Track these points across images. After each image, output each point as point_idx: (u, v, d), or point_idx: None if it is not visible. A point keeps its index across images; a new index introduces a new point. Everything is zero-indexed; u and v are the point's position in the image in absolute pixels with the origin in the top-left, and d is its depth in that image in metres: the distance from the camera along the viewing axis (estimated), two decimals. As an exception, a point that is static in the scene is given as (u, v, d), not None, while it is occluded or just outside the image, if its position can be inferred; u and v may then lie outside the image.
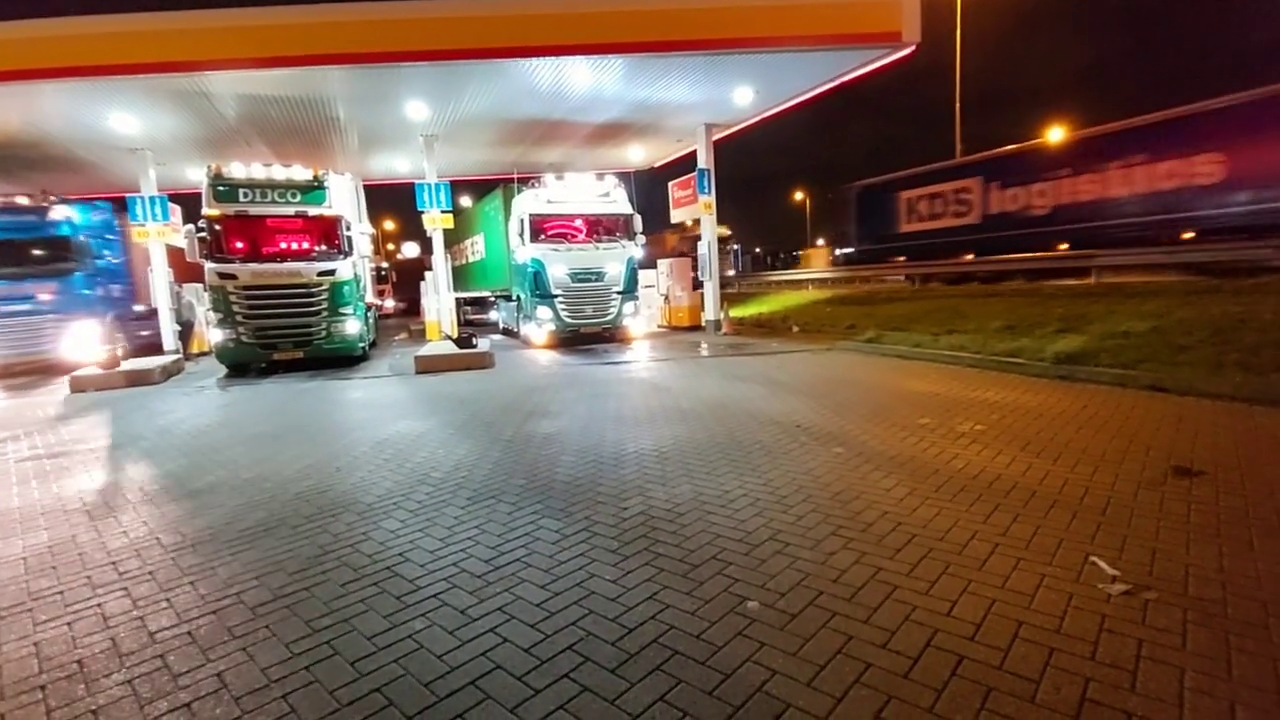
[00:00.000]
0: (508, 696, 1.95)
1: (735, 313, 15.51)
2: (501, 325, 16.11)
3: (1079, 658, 2.00)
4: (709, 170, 13.92)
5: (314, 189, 10.69)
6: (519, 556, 2.96)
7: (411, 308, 27.65)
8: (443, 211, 13.25)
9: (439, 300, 13.83)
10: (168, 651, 2.29)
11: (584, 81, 10.83)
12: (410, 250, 39.11)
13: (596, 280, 12.05)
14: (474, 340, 10.75)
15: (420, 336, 15.47)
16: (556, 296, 11.81)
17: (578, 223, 12.40)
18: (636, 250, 12.63)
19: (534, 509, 3.56)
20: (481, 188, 18.66)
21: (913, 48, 9.88)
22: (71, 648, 2.35)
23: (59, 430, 6.61)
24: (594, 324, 12.20)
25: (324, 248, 10.76)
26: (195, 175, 15.18)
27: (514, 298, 13.42)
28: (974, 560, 2.71)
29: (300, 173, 10.62)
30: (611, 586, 2.62)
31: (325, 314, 10.60)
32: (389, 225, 43.94)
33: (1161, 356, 6.43)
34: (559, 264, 11.78)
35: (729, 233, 32.09)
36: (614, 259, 12.21)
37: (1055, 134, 19.79)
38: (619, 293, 12.27)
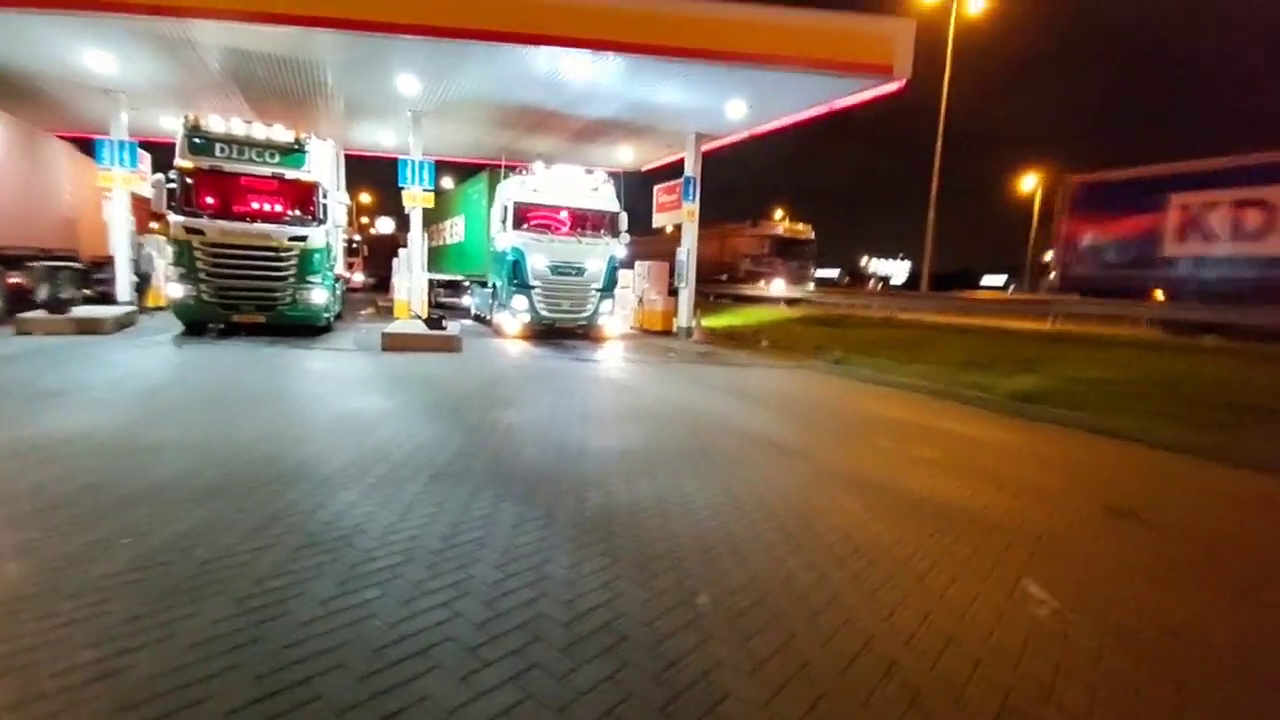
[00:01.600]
0: (457, 666, 1.98)
1: (707, 322, 15.68)
2: (473, 311, 15.83)
3: (1003, 669, 2.13)
4: (695, 179, 14.08)
5: (294, 151, 10.43)
6: (475, 537, 2.97)
7: (380, 284, 27.10)
8: (424, 190, 13.10)
9: (411, 279, 13.65)
10: (113, 597, 2.25)
11: (581, 75, 10.85)
12: (384, 226, 38.35)
13: (576, 275, 11.84)
14: (444, 322, 10.64)
15: (387, 313, 15.21)
16: (534, 288, 11.58)
17: (563, 215, 12.17)
18: (619, 249, 12.49)
19: (494, 494, 3.58)
20: (465, 170, 18.50)
21: (903, 82, 10.19)
22: (15, 588, 2.29)
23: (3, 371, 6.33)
24: (569, 319, 12.01)
25: (298, 212, 10.49)
26: (168, 124, 14.63)
27: (490, 284, 13.19)
28: (915, 574, 2.84)
29: (281, 133, 10.36)
30: (566, 572, 2.67)
31: (293, 280, 10.34)
32: (365, 198, 43.05)
33: (1109, 405, 6.76)
34: (540, 254, 11.57)
35: (810, 236, 28.77)
36: (596, 255, 12.01)
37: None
38: (598, 290, 12.09)
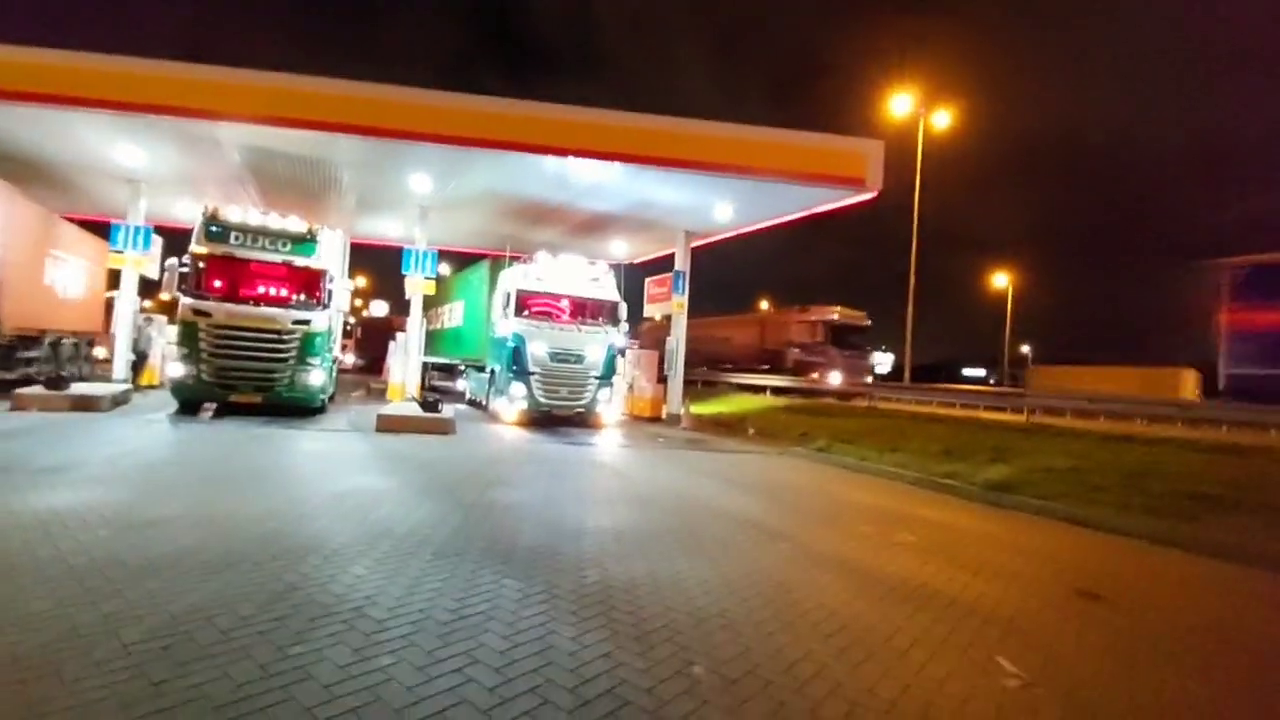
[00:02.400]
0: (473, 727, 2.13)
1: (695, 410, 16.01)
2: (468, 396, 15.89)
3: (976, 735, 2.31)
4: (685, 273, 14.87)
5: (306, 241, 11.00)
6: (482, 610, 3.13)
7: (371, 366, 27.33)
8: (427, 278, 13.70)
9: (408, 362, 13.96)
10: (144, 661, 2.39)
11: (583, 179, 11.78)
12: (378, 309, 39.09)
13: (576, 362, 11.93)
14: (439, 405, 10.87)
15: (379, 396, 15.40)
16: (533, 374, 11.64)
17: (564, 303, 12.40)
18: (619, 337, 12.67)
19: (496, 570, 3.74)
20: (463, 259, 19.30)
21: (875, 193, 11.16)
22: (51, 652, 2.42)
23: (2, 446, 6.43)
24: (567, 406, 11.98)
25: (304, 297, 10.93)
26: (180, 209, 15.45)
27: (488, 370, 13.34)
28: (896, 650, 3.02)
29: (295, 224, 10.97)
30: (570, 643, 2.83)
31: (292, 362, 10.61)
32: (360, 281, 44.16)
33: (1076, 494, 7.06)
34: (540, 342, 11.71)
35: (867, 322, 26.30)
36: (596, 343, 12.16)
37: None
38: (596, 377, 12.16)
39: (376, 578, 3.46)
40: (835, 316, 25.21)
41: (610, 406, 12.73)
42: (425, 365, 18.54)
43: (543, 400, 11.72)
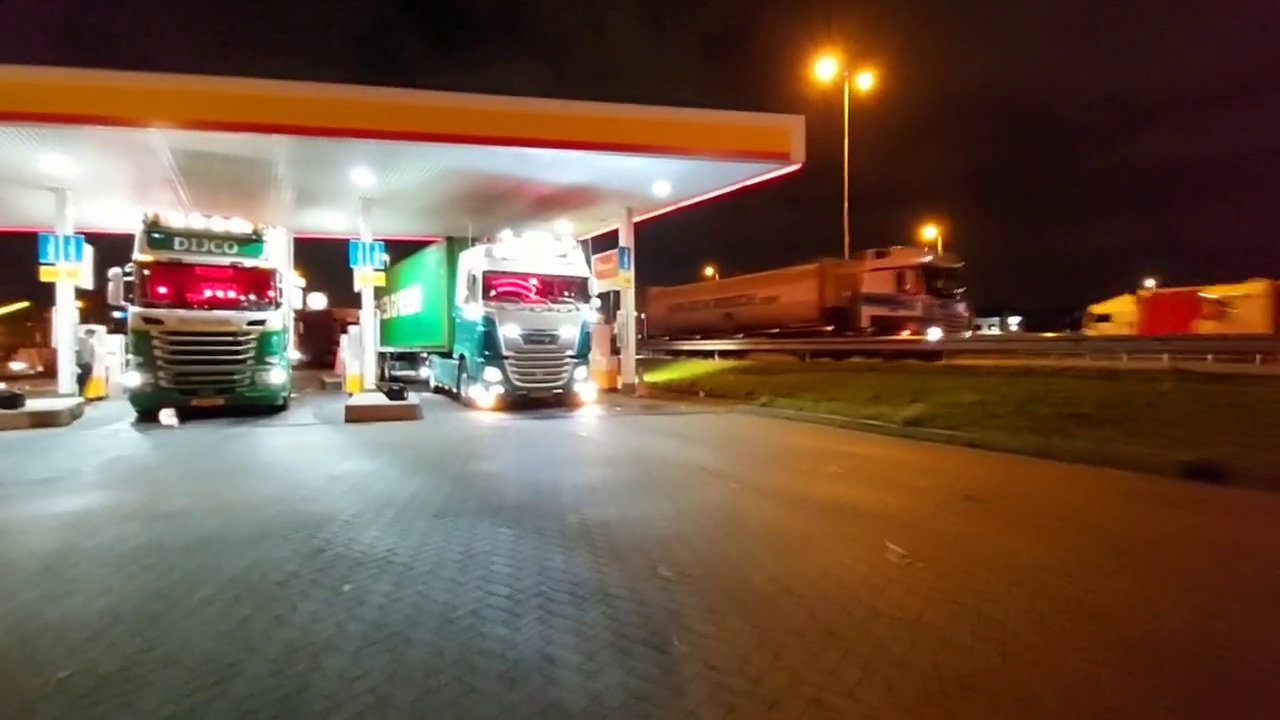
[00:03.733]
0: (499, 620, 2.85)
1: (649, 378, 16.84)
2: (434, 384, 15.57)
3: (868, 589, 3.18)
4: (629, 248, 15.50)
5: (252, 242, 11.11)
6: (486, 549, 3.83)
7: (316, 360, 26.90)
8: (375, 270, 13.88)
9: (363, 354, 14.19)
10: (227, 608, 3.00)
11: (523, 166, 12.16)
12: (315, 302, 38.13)
13: (550, 343, 11.72)
14: (404, 392, 11.30)
15: (335, 390, 15.59)
16: (507, 358, 11.39)
17: (532, 282, 12.06)
18: (591, 314, 12.51)
19: (490, 522, 4.43)
20: (410, 247, 19.29)
21: (799, 165, 12.02)
22: (145, 611, 3.00)
23: (-16, 464, 6.64)
24: (544, 388, 11.84)
25: (255, 298, 11.07)
26: (108, 217, 15.02)
27: (456, 356, 13.03)
28: (815, 546, 3.89)
29: (240, 225, 11.05)
30: (562, 564, 3.57)
31: (251, 362, 10.82)
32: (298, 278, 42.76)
33: (978, 422, 8.22)
34: (511, 324, 11.42)
35: (961, 264, 22.30)
36: (568, 322, 11.93)
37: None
38: (572, 357, 11.98)
39: (391, 536, 4.10)
40: (928, 259, 21.33)
41: (587, 385, 12.58)
42: (384, 355, 18.63)
43: (519, 384, 11.53)
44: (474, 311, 11.63)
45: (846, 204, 30.66)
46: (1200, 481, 5.63)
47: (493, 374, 11.39)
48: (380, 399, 11.11)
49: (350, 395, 12.72)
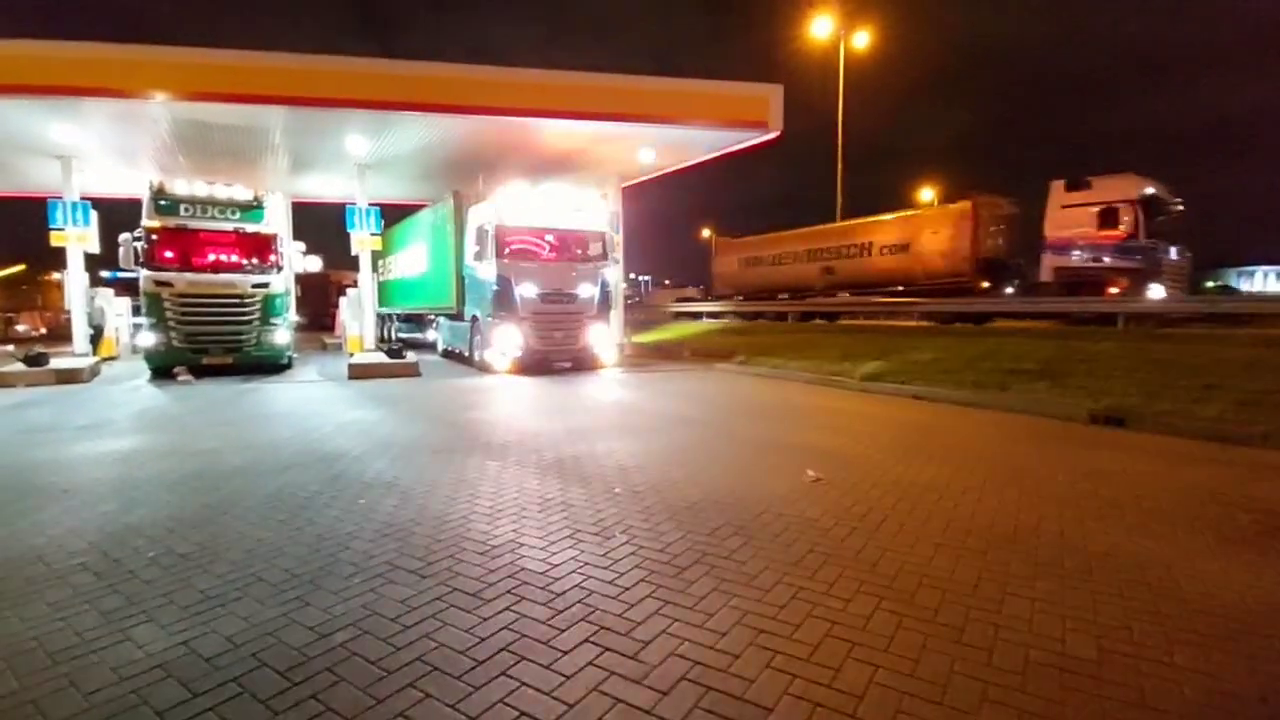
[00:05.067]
0: (482, 521, 3.64)
1: (638, 339, 17.56)
2: (443, 347, 14.87)
3: (779, 500, 3.97)
4: (618, 213, 16.00)
5: (253, 208, 11.69)
6: (474, 477, 4.62)
7: (314, 322, 27.47)
8: (372, 234, 14.42)
9: (363, 316, 14.84)
10: (269, 512, 3.79)
11: (515, 134, 12.58)
12: (312, 264, 38.47)
13: (569, 302, 11.19)
14: (403, 351, 12.02)
15: (337, 350, 16.30)
16: (524, 319, 10.89)
17: (549, 238, 11.45)
18: (611, 271, 11.93)
19: (478, 457, 5.22)
20: (406, 211, 19.66)
21: (778, 133, 12.48)
22: (212, 514, 3.78)
23: (20, 416, 7.40)
24: (563, 350, 11.41)
25: (258, 261, 11.69)
26: (106, 183, 15.45)
27: (467, 318, 12.48)
28: (750, 473, 4.69)
29: (241, 192, 11.60)
30: (536, 486, 4.36)
31: (257, 323, 11.52)
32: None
33: (929, 377, 8.99)
34: (528, 282, 10.87)
35: (1181, 204, 16.49)
36: (588, 279, 11.39)
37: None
38: (591, 317, 11.52)
39: (395, 468, 4.89)
40: (1150, 190, 15.49)
41: (609, 347, 12.06)
42: (387, 317, 18.98)
43: (536, 346, 11.04)
44: (487, 270, 11.11)
45: (840, 164, 30.85)
46: (1104, 426, 6.45)
47: (508, 336, 10.92)
48: (381, 358, 11.84)
49: (352, 355, 13.43)
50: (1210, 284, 17.01)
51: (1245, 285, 40.05)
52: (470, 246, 11.87)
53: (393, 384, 10.11)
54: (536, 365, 11.24)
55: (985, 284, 17.93)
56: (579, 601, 2.64)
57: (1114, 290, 15.22)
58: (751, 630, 2.41)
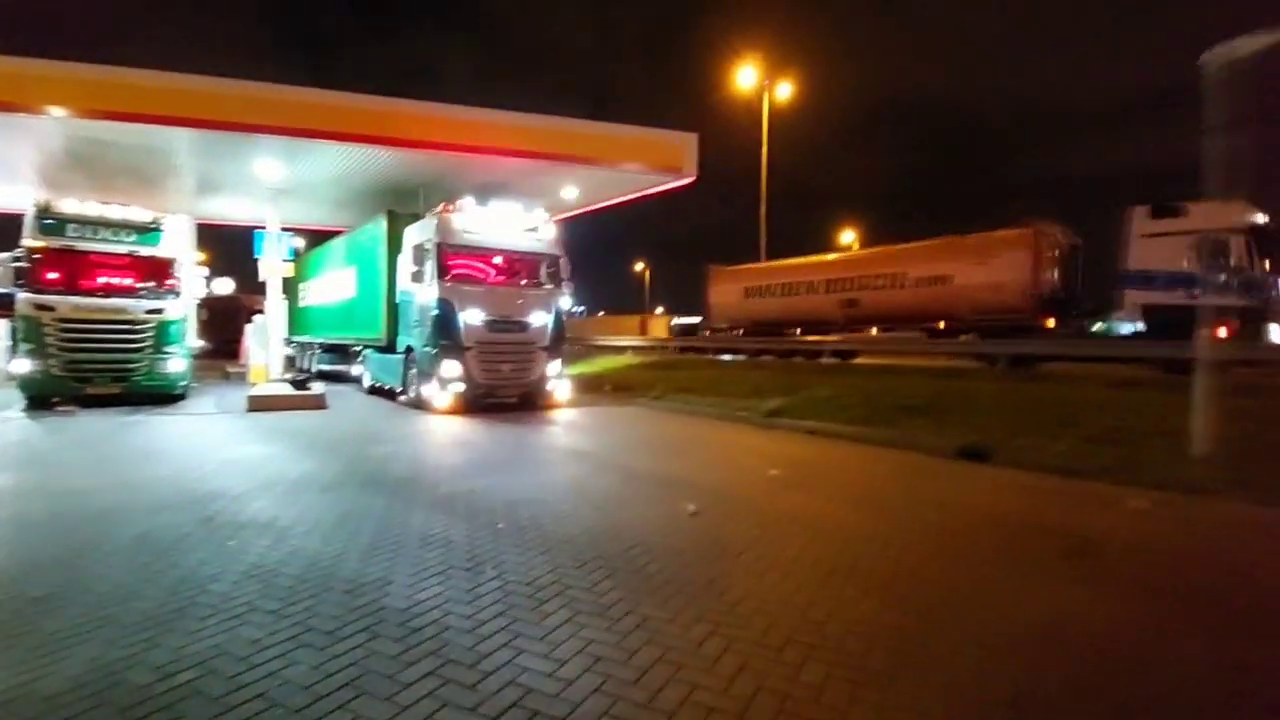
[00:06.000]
0: (356, 560, 3.68)
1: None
2: (369, 383, 13.24)
3: (652, 533, 4.20)
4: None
5: (150, 230, 11.23)
6: (360, 514, 4.62)
7: (220, 349, 25.82)
8: (284, 260, 14.00)
9: (270, 345, 14.27)
10: (135, 552, 3.68)
11: (436, 165, 12.66)
12: (222, 286, 36.40)
13: (519, 331, 10.32)
14: (309, 383, 11.67)
15: (239, 379, 15.53)
16: (469, 350, 9.89)
17: (498, 260, 10.62)
18: (565, 299, 11.15)
19: (370, 494, 5.21)
20: (321, 237, 19.13)
21: (693, 179, 13.17)
22: (74, 560, 3.63)
23: None
24: (512, 385, 10.49)
25: (153, 286, 11.15)
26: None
27: (399, 350, 11.40)
28: (630, 506, 4.91)
29: (138, 214, 11.14)
30: (420, 522, 4.42)
31: (149, 351, 10.93)
32: (200, 256, 40.67)
33: (826, 413, 9.58)
34: (473, 308, 9.92)
35: None
36: (540, 307, 10.59)
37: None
38: (543, 348, 10.66)
39: (277, 507, 4.81)
40: (1259, 218, 13.90)
41: (561, 382, 11.17)
42: (307, 347, 17.91)
43: (482, 381, 10.06)
44: (426, 294, 10.11)
45: (764, 204, 32.35)
46: (969, 461, 7.09)
47: (451, 369, 9.86)
48: (285, 389, 11.44)
49: (254, 385, 12.87)
50: (1098, 326, 16.61)
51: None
52: (406, 267, 10.79)
53: (295, 417, 9.79)
54: (480, 402, 10.27)
55: (1050, 322, 16.03)
56: (433, 637, 2.75)
57: (1222, 332, 11.90)
58: (590, 658, 2.60)
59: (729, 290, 25.92)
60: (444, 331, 9.84)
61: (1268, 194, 12.97)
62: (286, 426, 8.80)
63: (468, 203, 10.39)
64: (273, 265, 13.94)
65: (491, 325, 10.05)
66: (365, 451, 7.05)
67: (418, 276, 10.31)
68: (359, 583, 3.34)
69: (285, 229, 14.18)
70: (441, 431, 8.71)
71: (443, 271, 9.93)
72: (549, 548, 3.92)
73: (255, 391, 11.13)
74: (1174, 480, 5.65)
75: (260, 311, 15.33)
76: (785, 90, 32.03)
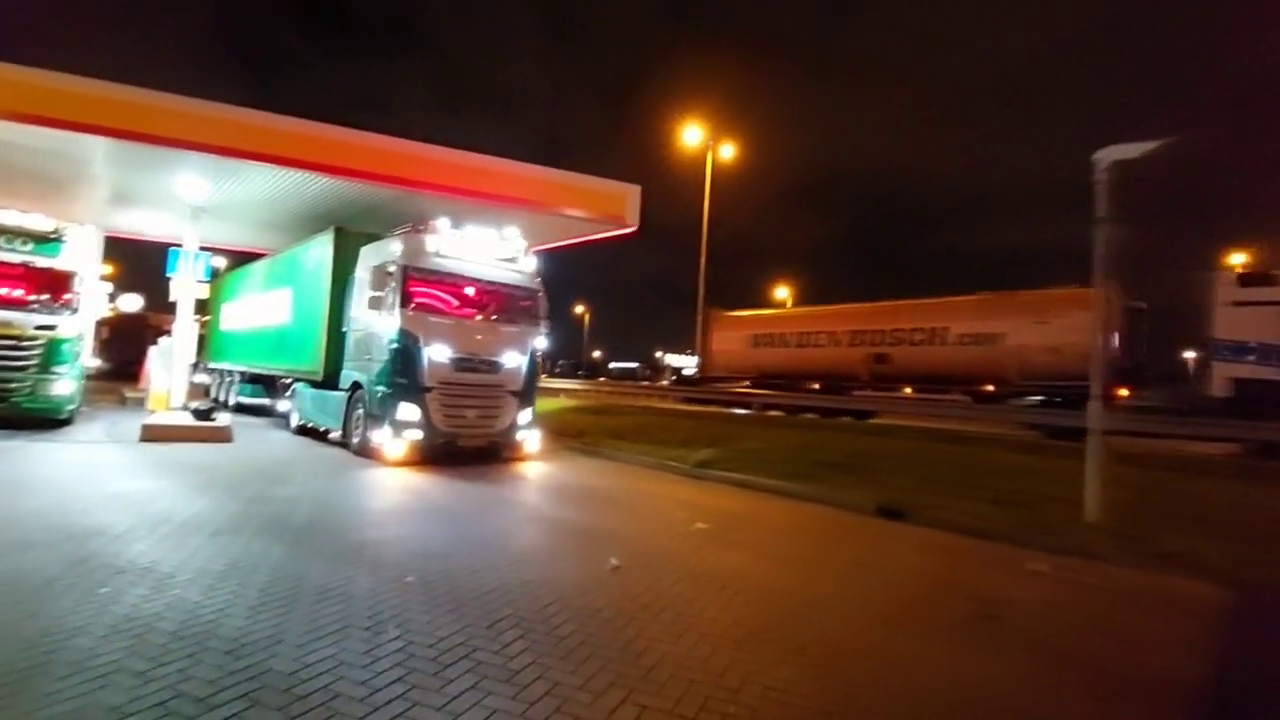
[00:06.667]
0: (242, 615, 3.37)
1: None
2: (299, 421, 11.69)
3: (570, 588, 4.07)
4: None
5: (50, 240, 10.43)
6: (252, 563, 4.26)
7: (120, 370, 23.77)
8: (200, 281, 13.20)
9: (175, 370, 13.29)
10: (6, 591, 3.24)
11: (373, 195, 12.36)
12: (129, 303, 33.97)
13: (489, 372, 9.22)
14: (213, 413, 10.88)
15: (137, 405, 14.34)
16: (430, 390, 8.70)
17: (470, 291, 9.47)
18: (541, 339, 10.08)
19: (267, 540, 4.82)
20: (244, 259, 18.22)
21: (634, 229, 13.43)
22: None
23: None
24: (477, 433, 9.32)
25: (48, 300, 10.28)
26: None
27: (343, 386, 9.98)
28: (555, 559, 4.76)
29: (39, 221, 10.34)
30: (321, 574, 4.11)
31: (35, 370, 9.97)
32: (107, 269, 37.90)
33: (753, 466, 9.70)
34: (439, 343, 8.79)
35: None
36: (515, 347, 9.51)
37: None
38: (515, 393, 9.51)
39: (160, 550, 4.39)
40: None
41: (533, 432, 10.08)
42: (226, 375, 16.41)
43: (444, 427, 8.87)
44: (384, 324, 8.95)
45: (704, 258, 33.28)
46: (885, 518, 7.30)
47: (409, 412, 8.64)
48: (185, 418, 10.61)
49: (152, 413, 11.89)
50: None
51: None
52: (362, 292, 9.50)
53: (195, 450, 9.07)
54: (440, 451, 9.03)
55: (1123, 392, 14.43)
56: (320, 705, 2.53)
57: None
58: (493, 729, 2.45)
59: (733, 338, 23.63)
60: (403, 368, 8.67)
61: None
62: (183, 460, 8.13)
63: (443, 224, 9.27)
64: (186, 284, 13.10)
65: (459, 364, 8.94)
66: (268, 492, 6.57)
67: (375, 303, 9.04)
68: (242, 641, 3.05)
69: (206, 248, 13.45)
70: (346, 472, 8.26)
71: (406, 299, 8.76)
72: (460, 604, 3.72)
73: (151, 420, 10.28)
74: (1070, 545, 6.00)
75: (168, 332, 14.29)
76: (729, 151, 33.88)
